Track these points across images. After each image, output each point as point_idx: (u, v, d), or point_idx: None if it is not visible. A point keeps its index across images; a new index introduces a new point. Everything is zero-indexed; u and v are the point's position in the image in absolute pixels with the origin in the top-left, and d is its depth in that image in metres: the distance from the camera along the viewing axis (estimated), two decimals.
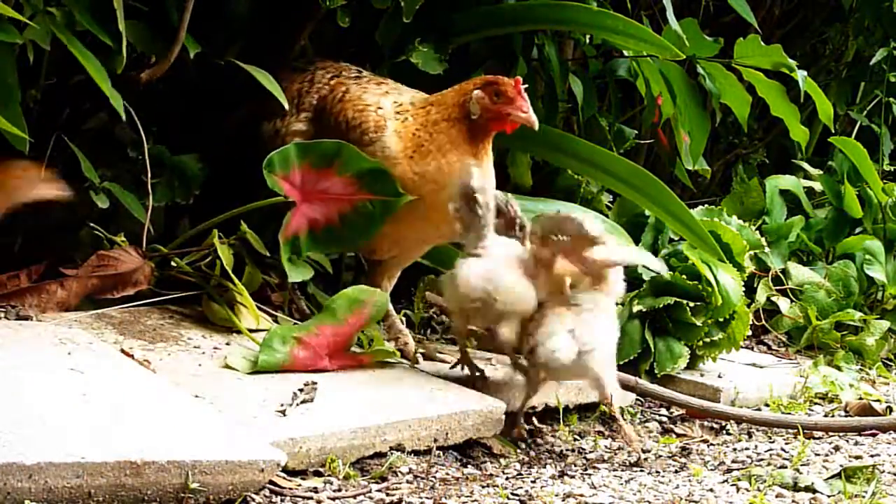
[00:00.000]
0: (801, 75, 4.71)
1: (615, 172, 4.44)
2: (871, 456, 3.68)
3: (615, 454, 3.61)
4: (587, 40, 4.82)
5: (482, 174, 3.64)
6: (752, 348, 5.06)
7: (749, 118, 4.95)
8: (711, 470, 3.46)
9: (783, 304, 5.25)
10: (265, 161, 3.60)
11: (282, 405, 3.21)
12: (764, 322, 5.26)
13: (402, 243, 3.90)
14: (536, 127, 3.69)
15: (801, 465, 3.51)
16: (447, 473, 3.25)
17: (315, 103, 3.95)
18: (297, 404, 3.23)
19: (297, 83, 4.00)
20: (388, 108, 3.82)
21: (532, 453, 3.50)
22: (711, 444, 3.78)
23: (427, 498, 2.99)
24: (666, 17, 4.55)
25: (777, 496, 3.19)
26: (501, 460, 3.40)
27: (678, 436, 3.87)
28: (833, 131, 5.64)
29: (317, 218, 3.71)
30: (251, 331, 3.66)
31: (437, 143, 3.70)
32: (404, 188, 3.71)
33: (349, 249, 4.09)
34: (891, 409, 4.32)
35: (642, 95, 5.05)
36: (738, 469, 3.46)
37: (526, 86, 3.72)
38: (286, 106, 3.85)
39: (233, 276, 3.71)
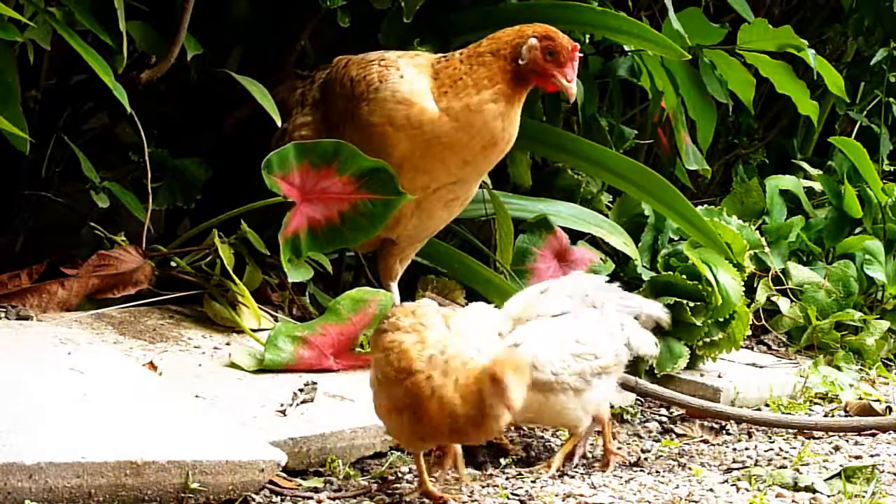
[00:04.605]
0: (810, 53, 4.68)
1: (618, 170, 4.42)
2: (871, 456, 3.68)
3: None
4: (587, 40, 4.82)
5: (510, 122, 3.67)
6: (752, 348, 5.06)
7: (749, 115, 4.95)
8: (711, 470, 3.46)
9: (783, 304, 5.25)
10: (263, 162, 3.57)
11: (282, 405, 3.20)
12: (764, 322, 5.26)
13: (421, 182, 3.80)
14: (572, 100, 3.75)
15: (801, 465, 3.51)
16: (447, 473, 3.24)
17: (317, 93, 3.94)
18: (297, 404, 3.23)
19: (300, 87, 4.00)
20: (392, 57, 3.79)
21: (532, 453, 3.50)
22: (711, 444, 3.77)
23: (427, 498, 2.99)
24: (666, 14, 4.55)
25: (777, 496, 3.19)
26: (501, 460, 3.40)
27: (678, 436, 3.87)
28: (847, 102, 5.63)
29: (317, 217, 3.67)
30: (252, 330, 3.66)
31: (476, 77, 3.67)
32: (423, 128, 3.68)
33: (350, 247, 4.08)
34: (891, 409, 4.32)
35: (643, 94, 5.04)
36: (738, 469, 3.46)
37: (581, 55, 3.72)
38: (279, 122, 3.82)
39: (234, 275, 3.71)
